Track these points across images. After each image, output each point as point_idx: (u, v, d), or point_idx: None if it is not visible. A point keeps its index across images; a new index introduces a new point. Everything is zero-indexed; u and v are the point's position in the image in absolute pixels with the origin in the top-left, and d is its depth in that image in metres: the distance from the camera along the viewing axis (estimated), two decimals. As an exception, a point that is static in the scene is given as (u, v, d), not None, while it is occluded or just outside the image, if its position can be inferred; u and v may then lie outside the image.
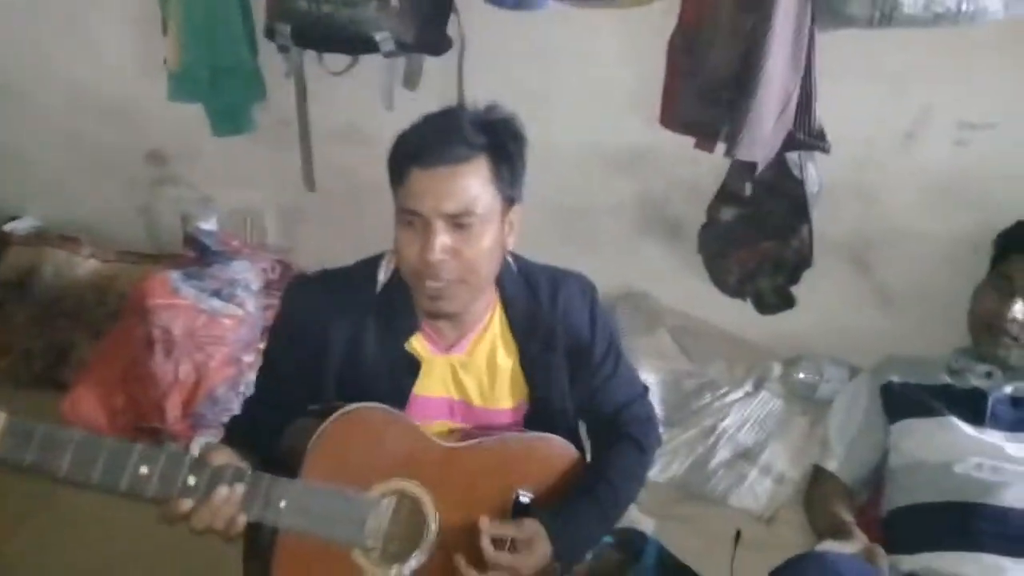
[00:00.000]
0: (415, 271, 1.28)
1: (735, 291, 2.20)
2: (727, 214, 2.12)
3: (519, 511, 1.39)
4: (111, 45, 2.62)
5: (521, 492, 1.40)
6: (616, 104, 2.17)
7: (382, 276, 1.40)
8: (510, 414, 1.46)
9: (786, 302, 2.16)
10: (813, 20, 1.76)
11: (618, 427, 1.52)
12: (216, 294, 2.42)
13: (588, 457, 1.52)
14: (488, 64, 2.16)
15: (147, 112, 2.65)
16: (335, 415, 1.27)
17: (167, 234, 2.87)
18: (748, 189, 1.98)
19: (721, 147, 1.86)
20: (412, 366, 1.38)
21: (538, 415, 1.46)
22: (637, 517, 1.90)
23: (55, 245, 2.79)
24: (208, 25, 2.29)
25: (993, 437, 1.70)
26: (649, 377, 2.14)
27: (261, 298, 2.49)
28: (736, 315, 2.25)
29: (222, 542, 1.22)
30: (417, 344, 1.39)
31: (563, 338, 1.43)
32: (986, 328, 1.80)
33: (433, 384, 1.40)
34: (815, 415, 2.06)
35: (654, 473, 1.99)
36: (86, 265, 2.75)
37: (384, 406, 1.32)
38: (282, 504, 1.20)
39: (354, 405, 1.29)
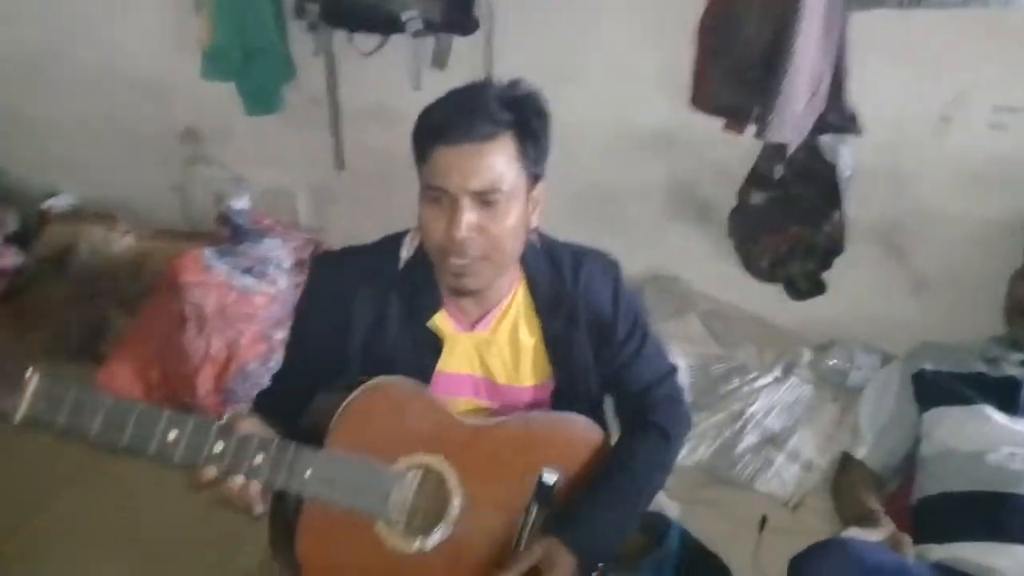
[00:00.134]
0: (440, 248, 1.28)
1: (766, 276, 2.18)
2: (758, 198, 2.10)
3: (543, 490, 1.38)
4: (146, 24, 2.66)
5: (545, 471, 1.40)
6: (645, 85, 2.16)
7: (405, 253, 1.40)
8: (533, 392, 1.45)
9: (817, 288, 2.14)
10: (845, 1, 1.73)
11: (644, 410, 1.50)
12: (248, 272, 2.45)
13: (614, 436, 1.51)
14: (516, 44, 2.16)
15: (181, 91, 2.69)
16: (360, 388, 1.27)
17: (201, 212, 2.91)
18: (778, 172, 1.96)
19: (751, 129, 1.84)
20: (435, 343, 1.37)
21: (563, 393, 1.46)
22: (662, 501, 1.90)
23: (92, 222, 2.85)
24: (239, 5, 2.31)
25: (1027, 427, 1.67)
26: (678, 361, 2.13)
27: (292, 276, 2.52)
28: (767, 300, 2.23)
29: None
30: (440, 321, 1.39)
31: (585, 315, 1.42)
32: (1021, 314, 1.76)
33: (457, 361, 1.40)
34: (845, 402, 2.04)
35: (680, 456, 1.98)
36: (122, 242, 2.80)
37: (410, 380, 1.32)
38: (307, 474, 1.20)
39: (380, 379, 1.29)
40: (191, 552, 1.84)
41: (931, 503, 1.69)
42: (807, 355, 2.12)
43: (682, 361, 2.12)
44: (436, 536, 1.32)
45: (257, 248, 2.52)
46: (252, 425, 1.21)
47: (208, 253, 2.44)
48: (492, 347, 1.41)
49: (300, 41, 2.42)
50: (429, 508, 1.34)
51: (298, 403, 1.37)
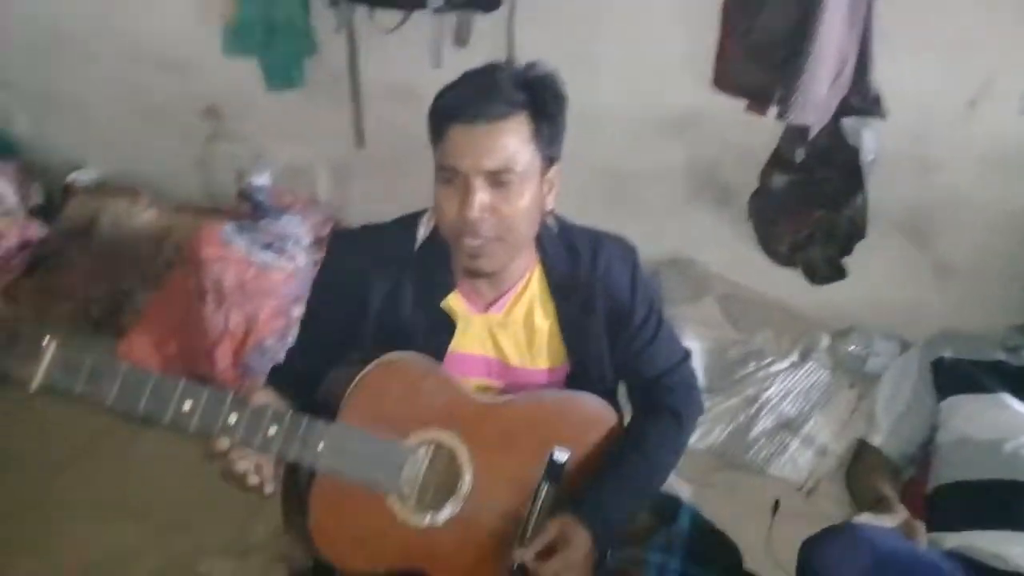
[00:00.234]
0: (454, 228, 1.28)
1: (785, 260, 2.17)
2: (779, 181, 2.08)
3: (553, 468, 1.39)
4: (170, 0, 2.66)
5: (556, 449, 1.40)
6: (667, 65, 2.14)
7: (422, 232, 1.40)
8: (547, 375, 1.46)
9: (837, 273, 2.12)
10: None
11: (657, 395, 1.50)
12: (267, 248, 2.46)
13: (627, 419, 1.51)
14: (538, 22, 2.14)
15: (203, 66, 2.69)
16: (374, 363, 1.28)
17: (222, 188, 2.92)
18: (800, 155, 1.93)
19: (774, 111, 1.82)
20: (448, 324, 1.38)
21: (576, 378, 1.46)
22: (674, 483, 1.90)
23: (115, 196, 2.87)
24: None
25: (1045, 416, 1.66)
26: (694, 345, 2.13)
27: (311, 253, 2.53)
28: (785, 285, 2.22)
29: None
30: (454, 302, 1.39)
31: (602, 301, 1.42)
32: (1045, 303, 1.74)
33: (470, 342, 1.40)
34: (863, 389, 2.03)
35: (693, 440, 1.98)
36: (144, 217, 2.82)
37: (423, 357, 1.33)
38: (320, 446, 1.22)
39: (393, 354, 1.30)
40: (206, 522, 1.87)
41: (946, 491, 1.68)
42: (825, 341, 2.11)
43: (698, 345, 2.11)
44: (446, 511, 1.33)
45: (276, 224, 2.53)
46: (266, 397, 1.23)
47: (228, 228, 2.46)
48: (506, 329, 1.42)
49: (322, 16, 2.41)
50: (440, 483, 1.35)
51: (312, 378, 1.39)
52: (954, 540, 1.57)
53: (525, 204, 1.27)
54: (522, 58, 1.36)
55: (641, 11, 2.12)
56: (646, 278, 1.48)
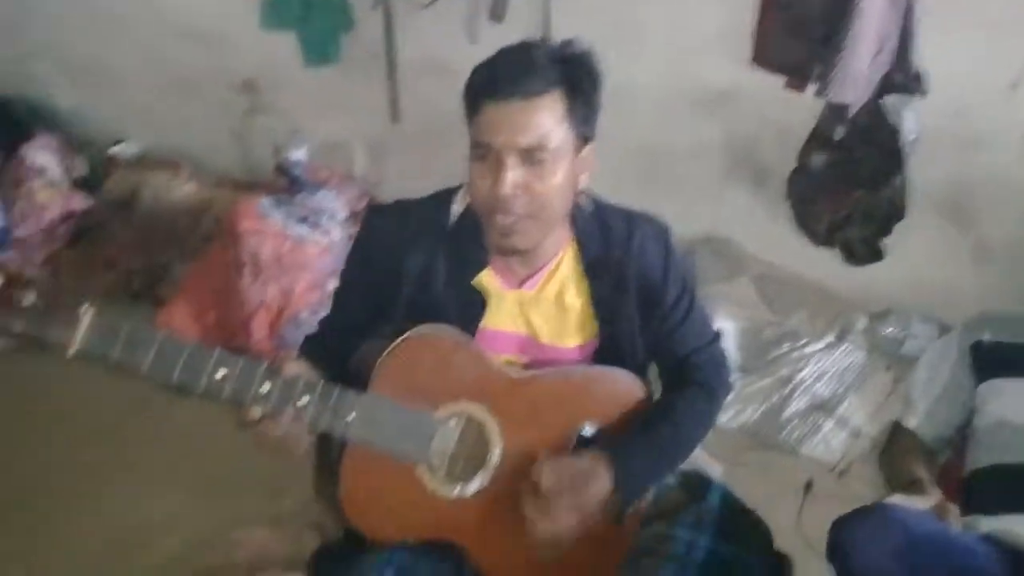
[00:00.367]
0: (486, 205, 1.27)
1: (823, 240, 2.14)
2: (818, 160, 2.05)
3: (582, 444, 1.39)
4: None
5: (586, 425, 1.41)
6: (705, 41, 2.11)
7: (456, 208, 1.40)
8: (578, 352, 1.46)
9: (875, 254, 2.09)
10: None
11: (688, 371, 1.49)
12: (303, 222, 2.49)
13: (656, 398, 1.51)
14: (575, -2, 2.13)
15: (241, 41, 2.72)
16: (406, 335, 1.29)
17: (259, 162, 2.95)
18: (840, 133, 1.91)
19: (813, 88, 1.79)
20: (480, 300, 1.38)
21: (607, 355, 1.46)
22: (705, 461, 1.89)
23: (156, 169, 2.92)
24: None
25: (1085, 400, 1.62)
26: (727, 325, 2.12)
27: (346, 228, 2.55)
28: (822, 265, 2.19)
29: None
30: (487, 279, 1.39)
31: (635, 280, 1.41)
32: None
33: (502, 319, 1.40)
34: (899, 371, 2.00)
35: (725, 419, 1.98)
36: (184, 189, 2.87)
37: (455, 330, 1.33)
38: (351, 416, 1.23)
39: (425, 327, 1.31)
40: (239, 491, 1.90)
41: (983, 475, 1.65)
42: (862, 322, 2.08)
43: (732, 325, 2.10)
44: (475, 483, 1.34)
45: (313, 199, 2.55)
46: (299, 368, 1.24)
47: (265, 202, 2.49)
48: (537, 306, 1.42)
49: (360, -8, 2.42)
50: (470, 456, 1.36)
51: (344, 350, 1.40)
52: (989, 524, 1.54)
53: (558, 182, 1.27)
54: (558, 35, 1.35)
55: (679, -14, 2.10)
56: (680, 258, 1.47)
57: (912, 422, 1.81)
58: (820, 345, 2.03)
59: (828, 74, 1.71)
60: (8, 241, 2.79)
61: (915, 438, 1.80)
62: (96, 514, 1.89)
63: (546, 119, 1.23)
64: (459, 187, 1.42)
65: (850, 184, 2.03)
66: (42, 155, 2.98)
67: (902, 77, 1.79)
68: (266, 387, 1.17)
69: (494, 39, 1.32)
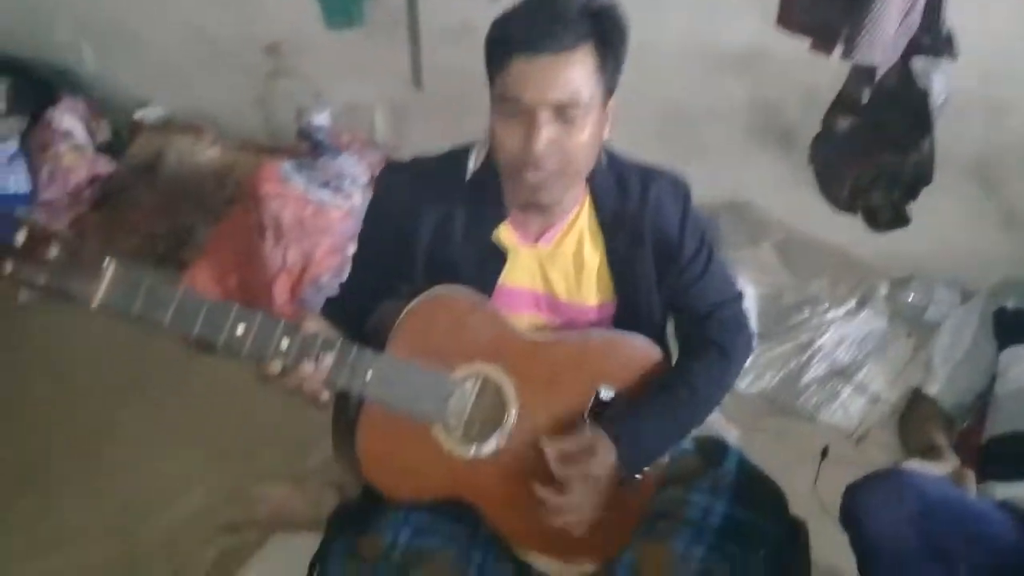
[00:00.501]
0: (515, 162, 1.26)
1: (846, 205, 2.11)
2: (843, 123, 2.02)
3: (600, 406, 1.40)
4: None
5: (603, 388, 1.41)
6: (730, 2, 2.08)
7: (472, 164, 1.40)
8: (596, 311, 1.45)
9: (900, 219, 2.06)
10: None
11: (706, 331, 1.48)
12: (324, 186, 2.50)
13: (674, 359, 1.51)
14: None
15: (265, 4, 2.71)
16: (422, 295, 1.29)
17: (283, 126, 2.96)
18: (866, 96, 1.87)
19: (839, 50, 1.75)
20: (499, 255, 1.38)
21: (625, 314, 1.46)
22: (722, 426, 1.89)
23: (180, 133, 2.94)
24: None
25: (1106, 367, 1.60)
26: (748, 290, 2.10)
27: (367, 192, 2.56)
28: (845, 231, 2.17)
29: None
30: (504, 234, 1.39)
31: (651, 235, 1.40)
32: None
33: (519, 275, 1.41)
34: (920, 338, 1.99)
35: (743, 385, 1.97)
36: (208, 153, 2.88)
37: (471, 290, 1.33)
38: (368, 375, 1.24)
39: (442, 287, 1.31)
40: (260, 449, 1.93)
41: (1001, 442, 1.64)
42: (883, 289, 2.06)
43: (752, 290, 2.09)
44: (491, 444, 1.35)
45: (334, 163, 2.56)
46: (317, 325, 1.25)
47: (287, 166, 2.50)
48: (555, 262, 1.41)
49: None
50: (486, 417, 1.37)
51: (363, 311, 1.40)
52: (1006, 491, 1.54)
53: (587, 137, 1.25)
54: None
55: (705, -55, 2.06)
56: (697, 214, 1.46)
57: (932, 388, 1.80)
58: (841, 311, 2.02)
59: (855, 36, 1.67)
60: (34, 204, 2.83)
61: (935, 405, 1.79)
62: (119, 471, 1.93)
63: (578, 74, 1.21)
64: (473, 144, 1.42)
65: (875, 148, 2.00)
66: (68, 119, 3.01)
67: (931, 39, 1.74)
68: (285, 343, 1.18)
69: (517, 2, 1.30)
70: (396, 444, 1.31)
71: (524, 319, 1.42)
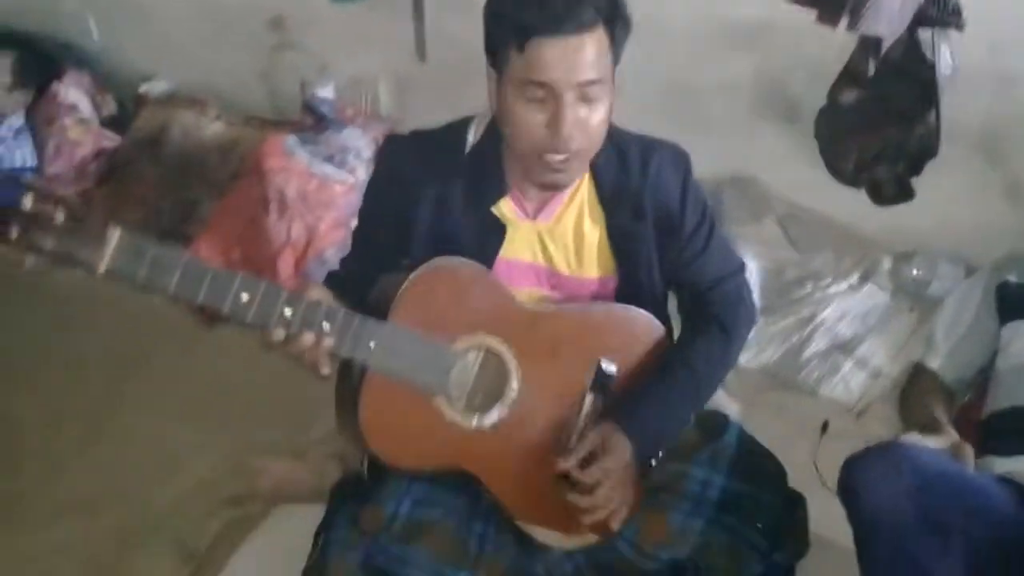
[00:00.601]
0: (541, 146, 1.25)
1: (850, 179, 2.10)
2: (849, 96, 2.00)
3: (601, 379, 1.41)
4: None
5: (604, 360, 1.42)
6: (736, -28, 2.06)
7: (472, 138, 1.40)
8: (596, 284, 1.46)
9: (904, 194, 2.05)
10: None
11: (707, 306, 1.49)
12: (329, 160, 2.50)
13: (676, 334, 1.51)
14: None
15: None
16: (423, 267, 1.30)
17: (287, 100, 2.95)
18: (872, 68, 1.85)
19: (845, 21, 1.74)
20: (498, 229, 1.38)
21: (626, 287, 1.46)
22: (723, 401, 1.90)
23: (184, 107, 2.93)
24: None
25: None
26: (751, 265, 2.10)
27: (371, 166, 2.55)
28: (849, 205, 2.16)
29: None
30: (505, 208, 1.39)
31: (652, 209, 1.40)
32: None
33: (519, 249, 1.41)
34: (923, 313, 1.99)
35: (745, 360, 1.98)
36: (212, 127, 2.87)
37: (473, 262, 1.34)
38: (371, 344, 1.25)
39: (443, 259, 1.31)
40: (265, 421, 1.94)
41: (1001, 417, 1.64)
42: (887, 263, 2.06)
43: (756, 265, 2.09)
44: (493, 415, 1.36)
45: (338, 137, 2.56)
46: (321, 294, 1.26)
47: (291, 140, 2.50)
48: (555, 237, 1.42)
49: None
50: (488, 388, 1.38)
51: (364, 284, 1.41)
52: (1005, 465, 1.55)
53: (605, 113, 1.26)
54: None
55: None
56: (698, 187, 1.46)
57: (934, 363, 1.80)
58: (843, 286, 2.01)
59: (860, 7, 1.66)
60: (40, 178, 2.83)
61: (936, 379, 1.79)
62: (123, 442, 1.95)
63: (597, 50, 1.21)
64: (473, 117, 1.41)
65: (881, 121, 1.98)
66: (73, 92, 3.01)
67: (937, 10, 1.73)
68: (288, 311, 1.19)
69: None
70: (399, 414, 1.32)
71: (525, 292, 1.42)
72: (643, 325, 1.45)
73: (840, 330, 1.95)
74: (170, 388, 2.09)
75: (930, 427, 1.57)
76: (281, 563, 1.40)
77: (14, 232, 1.04)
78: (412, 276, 1.29)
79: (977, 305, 1.80)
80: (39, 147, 2.90)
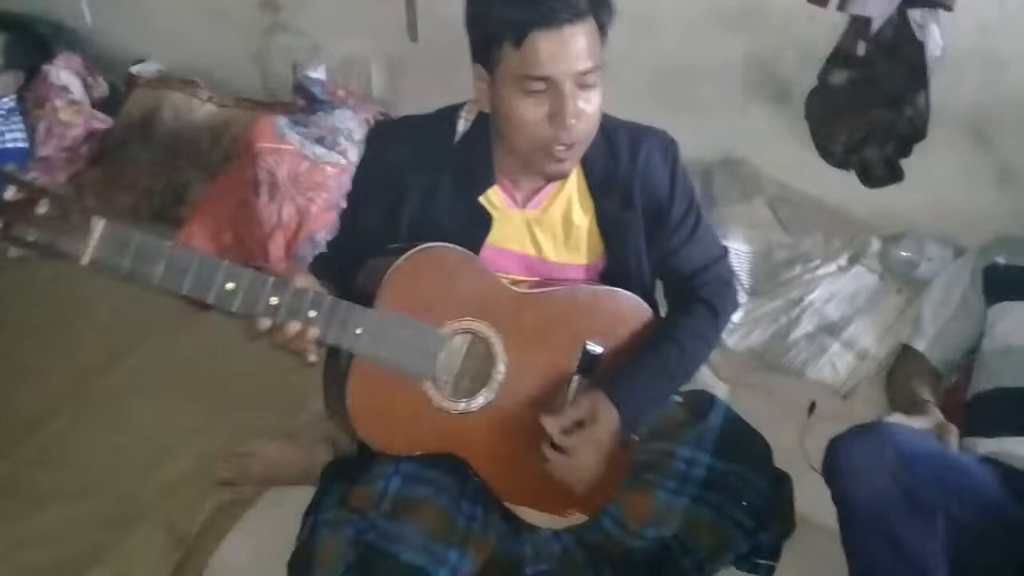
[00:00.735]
0: (544, 138, 1.26)
1: (840, 161, 2.10)
2: (839, 77, 2.00)
3: (587, 361, 1.42)
4: None
5: (590, 342, 1.43)
6: (726, -46, 2.05)
7: (462, 126, 1.40)
8: (582, 271, 1.47)
9: (894, 175, 2.06)
10: None
11: (695, 290, 1.50)
12: (320, 142, 2.49)
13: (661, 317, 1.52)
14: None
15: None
16: (411, 251, 1.30)
17: (279, 81, 2.94)
18: (862, 48, 1.85)
19: (835, 2, 1.74)
20: (485, 219, 1.38)
21: (614, 274, 1.47)
22: (711, 382, 1.91)
23: (175, 88, 2.92)
24: None
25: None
26: (742, 247, 2.11)
27: (362, 148, 2.55)
28: (839, 187, 2.16)
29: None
30: (493, 197, 1.40)
31: (641, 196, 1.41)
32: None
33: (507, 237, 1.41)
34: (911, 294, 1.99)
35: (733, 341, 1.99)
36: (204, 109, 2.87)
37: (460, 248, 1.34)
38: (358, 331, 1.25)
39: (431, 244, 1.32)
40: (255, 406, 1.94)
41: (985, 398, 1.66)
42: (875, 245, 2.06)
43: (745, 247, 2.09)
44: (480, 399, 1.37)
45: (329, 118, 2.55)
46: (307, 281, 1.26)
47: (282, 122, 2.49)
48: (544, 225, 1.42)
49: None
50: (475, 372, 1.39)
51: (351, 270, 1.41)
52: (988, 446, 1.56)
53: (600, 100, 1.27)
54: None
55: None
56: (686, 174, 1.46)
57: (921, 344, 1.81)
58: (832, 268, 2.02)
59: (850, -13, 1.65)
60: (32, 160, 2.83)
61: (922, 360, 1.80)
62: (114, 426, 1.95)
63: (592, 38, 1.23)
64: (463, 104, 1.41)
65: (871, 103, 1.98)
66: (65, 74, 3.00)
67: (928, -10, 1.73)
68: (275, 299, 1.19)
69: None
70: (386, 400, 1.33)
71: (512, 278, 1.43)
72: (629, 306, 1.46)
73: (828, 312, 1.95)
74: (161, 372, 2.10)
75: (915, 408, 1.58)
76: (272, 546, 1.41)
77: (-4, 223, 1.03)
78: (399, 260, 1.30)
79: (964, 287, 1.80)
80: (30, 129, 2.89)
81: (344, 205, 1.54)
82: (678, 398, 1.57)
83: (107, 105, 3.02)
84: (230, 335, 1.95)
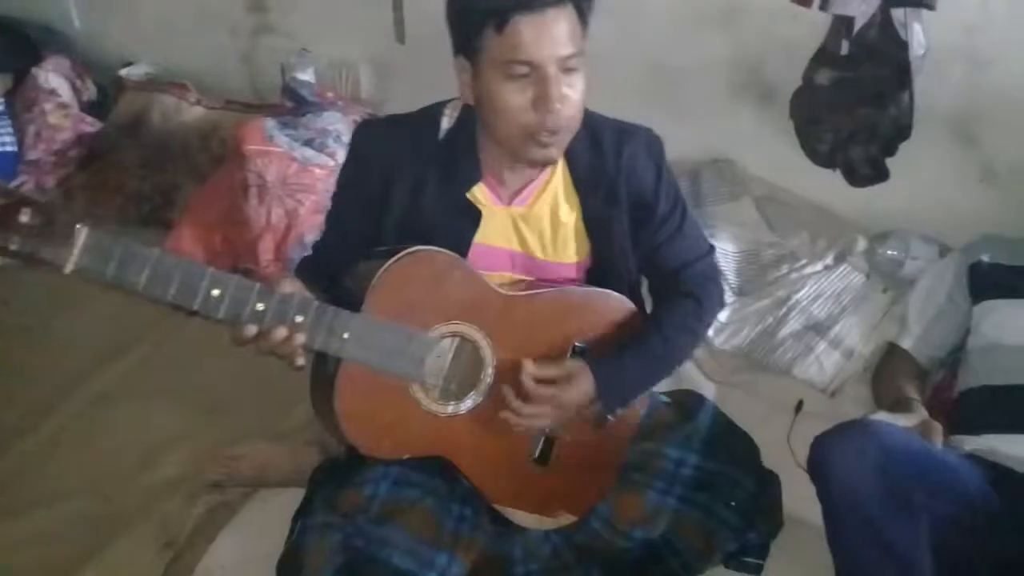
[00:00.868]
0: (530, 124, 1.26)
1: (826, 160, 2.11)
2: (823, 77, 2.01)
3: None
4: None
5: (577, 345, 1.43)
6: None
7: (446, 123, 1.40)
8: (573, 269, 1.48)
9: (879, 174, 2.06)
10: None
11: (680, 286, 1.51)
12: (308, 144, 2.49)
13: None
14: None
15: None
16: (399, 255, 1.30)
17: (268, 83, 2.94)
18: (845, 48, 1.86)
19: (818, 1, 1.74)
20: (473, 215, 1.39)
21: (600, 271, 1.48)
22: (698, 381, 1.93)
23: (164, 91, 2.91)
24: None
25: (1077, 323, 1.62)
26: (728, 246, 2.12)
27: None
28: (825, 186, 2.17)
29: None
30: (479, 193, 1.40)
31: (626, 193, 1.42)
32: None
33: (494, 234, 1.42)
34: (897, 293, 2.00)
35: (720, 340, 2.00)
36: (193, 111, 2.87)
37: (447, 251, 1.34)
38: (345, 335, 1.25)
39: (419, 247, 1.32)
40: (244, 408, 1.95)
41: (972, 395, 1.67)
42: (862, 244, 2.07)
43: (732, 247, 2.10)
44: (469, 402, 1.38)
45: (318, 120, 2.55)
46: (293, 286, 1.25)
47: (270, 123, 2.49)
48: (530, 222, 1.43)
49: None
50: (464, 375, 1.39)
51: (338, 271, 1.42)
52: (974, 443, 1.57)
53: (583, 85, 1.28)
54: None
55: None
56: (671, 171, 1.47)
57: (906, 343, 1.82)
58: (818, 267, 2.03)
59: (832, -14, 1.66)
60: (21, 164, 2.82)
61: (908, 358, 1.81)
62: (102, 429, 1.95)
63: (573, 23, 1.24)
64: (447, 101, 1.42)
65: (855, 102, 1.99)
66: (53, 77, 2.99)
67: (911, -11, 1.74)
68: (261, 305, 1.19)
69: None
70: (375, 403, 1.33)
71: (498, 277, 1.43)
72: (616, 307, 1.47)
73: (814, 311, 1.96)
74: (150, 375, 2.10)
75: (901, 406, 1.59)
76: (262, 548, 1.42)
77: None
78: (387, 264, 1.30)
79: (950, 285, 1.81)
80: (19, 132, 2.88)
81: (330, 206, 1.54)
82: (666, 399, 1.59)
83: (96, 108, 3.02)
84: (218, 338, 1.97)
